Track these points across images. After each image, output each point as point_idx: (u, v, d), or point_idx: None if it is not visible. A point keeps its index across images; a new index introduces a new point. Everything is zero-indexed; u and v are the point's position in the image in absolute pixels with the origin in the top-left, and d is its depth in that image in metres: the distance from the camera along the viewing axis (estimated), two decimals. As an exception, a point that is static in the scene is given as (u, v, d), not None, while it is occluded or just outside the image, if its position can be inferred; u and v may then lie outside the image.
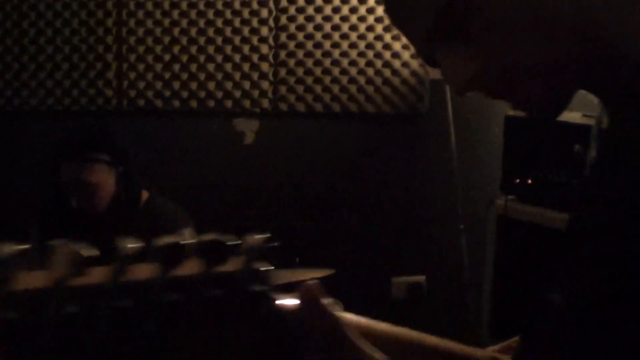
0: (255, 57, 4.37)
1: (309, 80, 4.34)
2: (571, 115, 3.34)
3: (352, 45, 4.30)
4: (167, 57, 4.42)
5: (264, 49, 4.36)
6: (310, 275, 3.19)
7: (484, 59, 1.02)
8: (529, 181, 3.72)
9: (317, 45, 4.32)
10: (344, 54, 4.31)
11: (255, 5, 4.35)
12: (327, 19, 4.31)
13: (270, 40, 4.36)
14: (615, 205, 0.92)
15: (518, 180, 3.76)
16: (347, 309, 1.20)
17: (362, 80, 4.32)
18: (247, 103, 4.40)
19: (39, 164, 4.46)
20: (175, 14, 4.40)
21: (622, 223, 0.90)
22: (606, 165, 1.02)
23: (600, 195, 0.99)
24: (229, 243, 0.83)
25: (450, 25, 1.02)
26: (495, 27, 1.00)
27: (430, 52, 1.07)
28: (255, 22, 4.35)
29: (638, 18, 0.99)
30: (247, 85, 4.38)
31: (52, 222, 3.55)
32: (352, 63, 4.31)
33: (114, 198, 3.38)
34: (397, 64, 4.27)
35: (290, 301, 0.88)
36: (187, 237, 2.66)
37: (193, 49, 4.40)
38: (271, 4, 4.34)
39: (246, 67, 4.38)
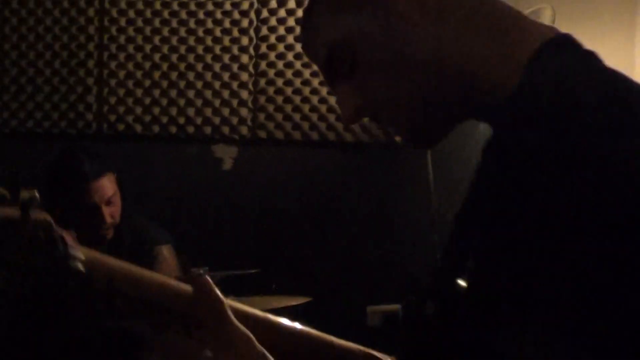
0: (235, 85, 4.40)
1: (288, 108, 4.37)
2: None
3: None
4: (147, 83, 4.44)
5: (244, 76, 4.39)
6: (287, 302, 3.22)
7: (363, 94, 1.20)
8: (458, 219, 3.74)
9: (297, 74, 4.35)
10: (323, 83, 4.33)
11: (235, 33, 4.39)
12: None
13: (250, 68, 4.39)
14: (496, 201, 1.04)
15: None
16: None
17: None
18: (226, 130, 4.42)
19: (15, 186, 4.47)
20: (157, 39, 4.43)
21: (501, 217, 1.00)
22: (486, 173, 1.16)
23: (484, 192, 1.13)
24: None
25: (336, 66, 1.21)
26: (367, 68, 1.17)
27: (330, 83, 1.26)
28: (235, 50, 4.39)
29: (490, 45, 1.13)
30: (226, 112, 4.41)
31: None
32: (332, 92, 4.34)
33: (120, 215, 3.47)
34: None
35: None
36: (167, 254, 2.72)
37: (173, 75, 4.43)
38: (251, 32, 4.38)
39: (226, 94, 4.41)
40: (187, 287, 1.16)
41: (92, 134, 4.48)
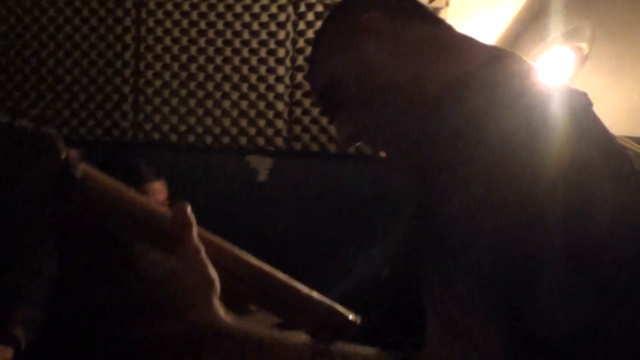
0: (271, 96, 4.41)
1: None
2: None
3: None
4: (183, 92, 4.46)
5: (280, 88, 4.40)
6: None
7: (352, 123, 1.50)
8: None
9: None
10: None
11: (272, 45, 4.40)
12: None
13: (287, 80, 4.40)
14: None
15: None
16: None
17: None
18: (261, 141, 4.43)
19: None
20: (194, 49, 4.45)
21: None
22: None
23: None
24: None
25: (328, 101, 1.53)
26: (352, 101, 1.48)
27: (327, 115, 1.59)
28: (271, 61, 4.40)
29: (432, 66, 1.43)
30: (262, 123, 4.42)
31: (80, 245, 3.57)
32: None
33: None
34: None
35: None
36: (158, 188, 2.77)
37: (210, 85, 4.45)
38: (288, 44, 4.39)
39: (262, 105, 4.42)
40: (165, 210, 1.40)
41: (127, 143, 4.50)
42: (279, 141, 4.43)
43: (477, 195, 1.16)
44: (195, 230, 1.39)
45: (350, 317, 1.60)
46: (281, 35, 4.38)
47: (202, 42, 4.45)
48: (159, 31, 4.48)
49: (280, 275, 1.58)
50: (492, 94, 1.28)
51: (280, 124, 4.42)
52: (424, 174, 1.30)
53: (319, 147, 4.41)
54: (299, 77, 4.38)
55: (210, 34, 4.44)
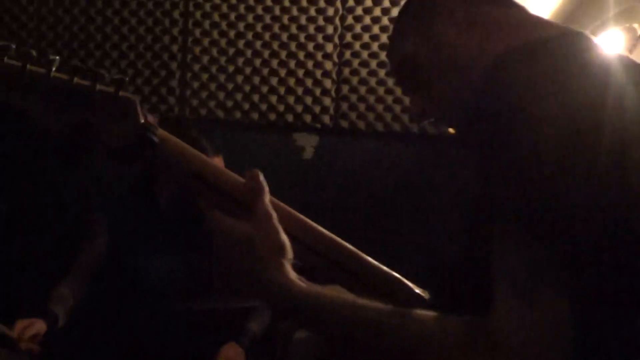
0: (318, 73, 4.39)
1: (371, 99, 4.35)
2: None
3: (381, 65, 4.31)
4: (231, 68, 4.45)
5: (328, 65, 4.38)
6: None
7: (425, 99, 1.54)
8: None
9: (381, 65, 4.32)
10: (371, 73, 4.33)
11: (321, 21, 4.37)
12: (356, 37, 4.33)
13: (334, 57, 4.38)
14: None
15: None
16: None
17: (389, 99, 4.33)
18: (308, 118, 4.41)
19: (97, 167, 4.52)
20: (241, 26, 4.44)
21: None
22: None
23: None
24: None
25: (403, 78, 1.59)
26: (425, 79, 1.51)
27: (403, 92, 1.73)
28: (320, 38, 4.38)
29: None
30: (309, 100, 4.41)
31: (127, 220, 3.60)
32: (381, 83, 4.32)
33: None
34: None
35: None
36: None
37: (257, 62, 4.44)
38: (337, 21, 4.36)
39: (309, 82, 4.40)
40: (238, 178, 1.45)
41: (174, 118, 4.49)
42: (326, 119, 4.41)
43: (561, 159, 1.15)
44: (267, 196, 1.41)
45: (418, 291, 1.61)
46: (330, 11, 4.36)
47: (250, 18, 4.43)
48: (207, 7, 4.47)
49: (350, 247, 1.59)
50: (563, 63, 1.28)
51: (327, 101, 4.40)
52: (493, 144, 1.25)
53: (365, 125, 4.38)
54: (347, 54, 4.36)
55: (259, 9, 4.42)
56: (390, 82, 4.32)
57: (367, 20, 4.33)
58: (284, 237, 1.37)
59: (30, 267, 4.57)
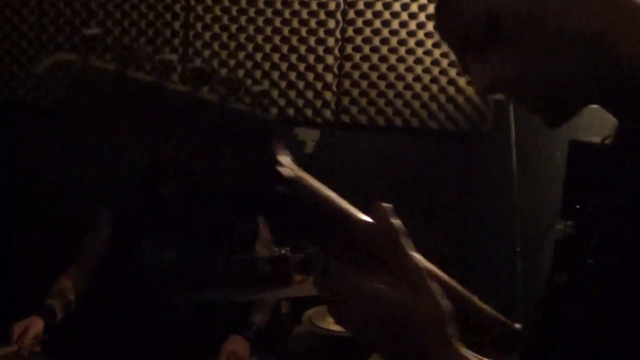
0: (319, 68, 4.38)
1: (373, 93, 4.33)
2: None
3: (418, 61, 4.29)
4: (232, 62, 4.44)
5: (329, 59, 4.37)
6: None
7: (502, 69, 1.18)
8: (590, 208, 3.67)
9: (383, 59, 4.31)
10: (409, 69, 4.29)
11: (322, 16, 4.36)
12: (393, 32, 4.30)
13: (336, 52, 4.37)
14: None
15: (578, 207, 3.71)
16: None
17: (425, 96, 4.30)
18: (309, 112, 4.41)
19: (102, 159, 4.53)
20: (243, 19, 4.43)
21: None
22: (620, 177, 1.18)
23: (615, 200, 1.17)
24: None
25: (478, 36, 1.18)
26: (510, 42, 1.15)
27: (463, 56, 1.24)
28: (321, 33, 4.36)
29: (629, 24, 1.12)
30: (310, 94, 4.40)
31: (130, 212, 3.61)
32: (417, 79, 4.29)
33: None
34: (461, 81, 4.25)
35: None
36: (262, 222, 2.74)
37: (258, 56, 4.43)
38: (338, 15, 4.35)
39: (310, 76, 4.39)
40: (365, 217, 1.11)
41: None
42: (327, 113, 4.40)
43: None
44: (404, 240, 1.08)
45: (517, 326, 1.41)
46: (331, 5, 4.35)
47: (251, 12, 4.42)
48: (209, 1, 4.46)
49: (460, 287, 1.33)
50: None
51: (328, 95, 4.39)
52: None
53: (366, 120, 4.37)
54: (349, 48, 4.35)
55: (260, 3, 4.41)
56: (392, 76, 4.31)
57: (368, 14, 4.31)
58: (447, 302, 1.06)
59: (34, 261, 4.58)
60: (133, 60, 0.93)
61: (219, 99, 0.97)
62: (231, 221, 3.60)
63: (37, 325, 3.16)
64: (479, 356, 1.06)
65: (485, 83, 1.22)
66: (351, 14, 4.33)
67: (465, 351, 1.05)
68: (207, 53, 4.45)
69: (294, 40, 4.39)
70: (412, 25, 4.27)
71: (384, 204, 1.09)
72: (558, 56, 1.14)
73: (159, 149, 0.95)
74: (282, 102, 4.42)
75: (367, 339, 1.07)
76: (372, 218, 1.09)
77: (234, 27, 4.44)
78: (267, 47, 4.41)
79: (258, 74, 4.42)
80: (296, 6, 4.38)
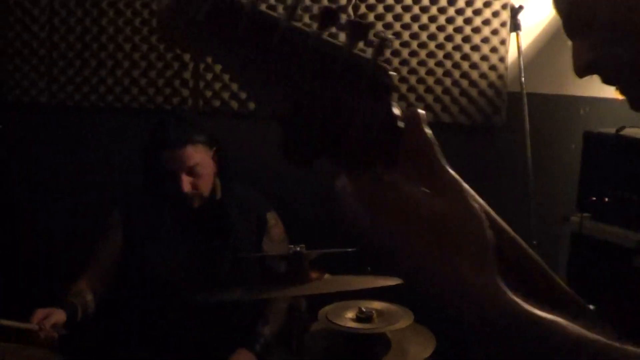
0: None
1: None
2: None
3: (430, 55, 4.27)
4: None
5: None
6: (382, 282, 3.19)
7: (597, 52, 1.18)
8: (606, 199, 3.66)
9: (395, 53, 4.29)
10: (421, 63, 4.28)
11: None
12: (405, 27, 4.28)
13: (348, 47, 4.34)
14: None
15: (594, 198, 3.70)
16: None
17: (438, 89, 4.28)
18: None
19: (113, 159, 4.53)
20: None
21: None
22: None
23: None
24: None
25: (576, 21, 1.19)
26: (607, 26, 1.15)
27: (569, 37, 1.23)
28: (333, 27, 4.34)
29: None
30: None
31: (138, 213, 3.61)
32: (430, 72, 4.27)
33: (213, 189, 3.56)
34: (475, 74, 4.23)
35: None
36: (277, 217, 2.71)
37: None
38: (350, 10, 4.33)
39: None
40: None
41: (188, 110, 4.49)
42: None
43: None
44: (438, 151, 0.97)
45: (591, 307, 1.29)
46: (342, 0, 4.32)
47: (263, 7, 4.39)
48: None
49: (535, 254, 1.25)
50: None
51: (341, 90, 4.36)
52: None
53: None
54: (360, 44, 4.31)
55: (271, 0, 4.39)
56: (405, 70, 4.29)
57: (380, 9, 4.30)
58: (491, 233, 0.93)
59: (48, 262, 4.59)
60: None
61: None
62: (236, 219, 3.59)
63: (59, 314, 3.18)
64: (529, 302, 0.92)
65: (578, 65, 1.22)
66: (362, 9, 4.32)
67: (508, 290, 0.91)
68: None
69: (306, 36, 4.37)
70: (424, 19, 4.25)
71: (418, 110, 0.96)
72: None
73: (284, 94, 0.89)
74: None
75: (396, 257, 0.90)
76: (405, 122, 0.94)
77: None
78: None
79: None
80: (307, 2, 4.36)
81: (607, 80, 1.23)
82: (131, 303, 3.63)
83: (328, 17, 0.90)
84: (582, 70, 1.22)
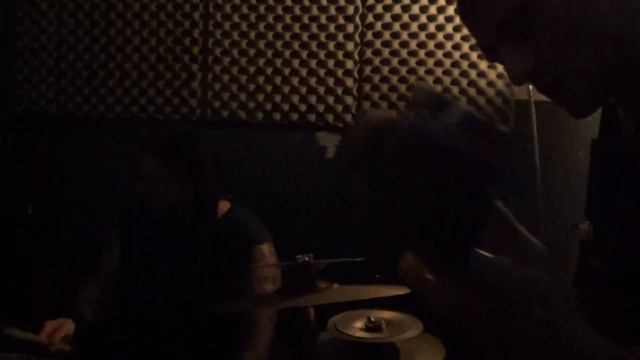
0: (339, 72, 4.37)
1: (393, 96, 4.32)
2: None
3: (438, 63, 4.27)
4: (251, 69, 4.44)
5: (349, 64, 4.36)
6: (390, 291, 3.19)
7: (541, 57, 1.22)
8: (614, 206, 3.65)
9: (403, 62, 4.30)
10: (429, 72, 4.28)
11: (341, 20, 4.35)
12: (413, 35, 4.29)
13: (356, 56, 4.36)
14: None
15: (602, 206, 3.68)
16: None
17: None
18: (330, 117, 4.40)
19: (121, 169, 4.54)
20: (262, 26, 4.43)
21: None
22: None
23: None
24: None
25: (517, 25, 1.21)
26: (553, 31, 1.19)
27: (494, 45, 1.26)
28: (340, 37, 4.36)
29: None
30: (330, 99, 4.39)
31: (134, 221, 3.61)
32: (437, 81, 4.28)
33: (178, 200, 3.42)
34: (482, 83, 4.23)
35: None
36: (266, 253, 2.68)
37: (278, 62, 4.42)
38: (357, 20, 4.34)
39: (330, 81, 4.38)
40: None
41: (196, 120, 4.50)
42: (348, 117, 4.39)
43: None
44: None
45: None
46: (350, 10, 4.34)
47: (270, 18, 4.42)
48: (227, 8, 4.46)
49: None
50: None
51: (349, 100, 4.38)
52: None
53: (388, 124, 4.34)
54: (368, 52, 4.33)
55: (279, 10, 4.41)
56: (412, 79, 4.30)
57: (387, 18, 4.30)
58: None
59: (52, 271, 4.60)
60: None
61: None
62: (223, 247, 3.56)
63: (69, 325, 3.20)
64: None
65: (520, 72, 1.25)
66: (370, 18, 4.32)
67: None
68: (226, 60, 4.46)
69: (313, 45, 4.39)
70: (431, 27, 4.26)
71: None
72: (585, 47, 1.19)
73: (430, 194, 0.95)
74: (303, 107, 4.41)
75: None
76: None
77: (253, 34, 4.44)
78: (287, 53, 4.41)
79: (278, 80, 4.42)
80: (315, 12, 4.37)
81: (545, 89, 1.27)
82: (128, 314, 3.63)
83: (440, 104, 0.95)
84: (521, 77, 1.26)
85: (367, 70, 4.34)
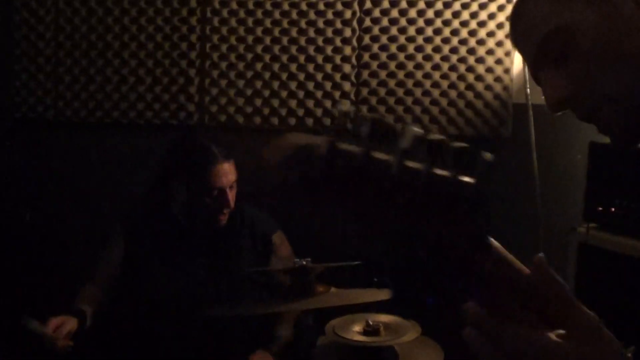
0: (337, 76, 4.37)
1: (391, 101, 4.32)
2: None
3: (435, 67, 4.27)
4: (249, 74, 4.44)
5: (347, 68, 4.36)
6: (388, 295, 3.18)
7: (577, 84, 1.18)
8: (612, 209, 3.65)
9: (400, 66, 4.30)
10: (426, 76, 4.27)
11: (338, 24, 4.35)
12: (410, 39, 4.28)
13: (353, 60, 4.35)
14: None
15: (601, 208, 3.69)
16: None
17: (444, 102, 4.28)
18: (327, 121, 4.39)
19: (119, 175, 4.53)
20: (259, 31, 4.42)
21: None
22: None
23: None
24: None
25: (553, 50, 1.19)
26: (588, 57, 1.15)
27: (535, 71, 1.25)
28: (338, 41, 4.35)
29: None
30: (328, 104, 4.38)
31: (143, 228, 3.61)
32: (435, 85, 4.27)
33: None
34: (480, 86, 4.23)
35: None
36: (284, 238, 2.70)
37: (275, 66, 4.42)
38: (354, 24, 4.34)
39: (328, 85, 4.38)
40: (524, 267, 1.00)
41: (193, 125, 4.49)
42: (346, 122, 4.37)
43: None
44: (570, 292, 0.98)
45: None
46: (347, 14, 4.34)
47: (267, 22, 4.42)
48: (225, 13, 4.46)
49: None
50: None
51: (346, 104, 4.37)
52: None
53: (386, 128, 4.34)
54: (366, 56, 4.33)
55: (276, 14, 4.41)
56: (410, 83, 4.29)
57: (384, 22, 4.30)
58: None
59: (52, 275, 4.60)
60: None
61: (426, 167, 0.86)
62: (243, 242, 3.59)
63: (72, 322, 3.21)
64: None
65: (555, 99, 1.22)
66: (367, 22, 4.32)
67: None
68: (224, 65, 4.45)
69: (311, 50, 4.38)
70: (429, 31, 4.26)
71: (539, 255, 0.99)
72: (621, 73, 1.14)
73: (374, 223, 0.87)
74: (300, 112, 4.41)
75: None
76: (532, 271, 0.98)
77: (250, 39, 4.44)
78: (284, 58, 4.41)
79: (276, 84, 4.41)
80: (312, 16, 4.37)
81: (583, 117, 1.23)
82: (131, 316, 3.63)
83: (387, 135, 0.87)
84: (558, 105, 1.23)
85: (365, 74, 4.33)
